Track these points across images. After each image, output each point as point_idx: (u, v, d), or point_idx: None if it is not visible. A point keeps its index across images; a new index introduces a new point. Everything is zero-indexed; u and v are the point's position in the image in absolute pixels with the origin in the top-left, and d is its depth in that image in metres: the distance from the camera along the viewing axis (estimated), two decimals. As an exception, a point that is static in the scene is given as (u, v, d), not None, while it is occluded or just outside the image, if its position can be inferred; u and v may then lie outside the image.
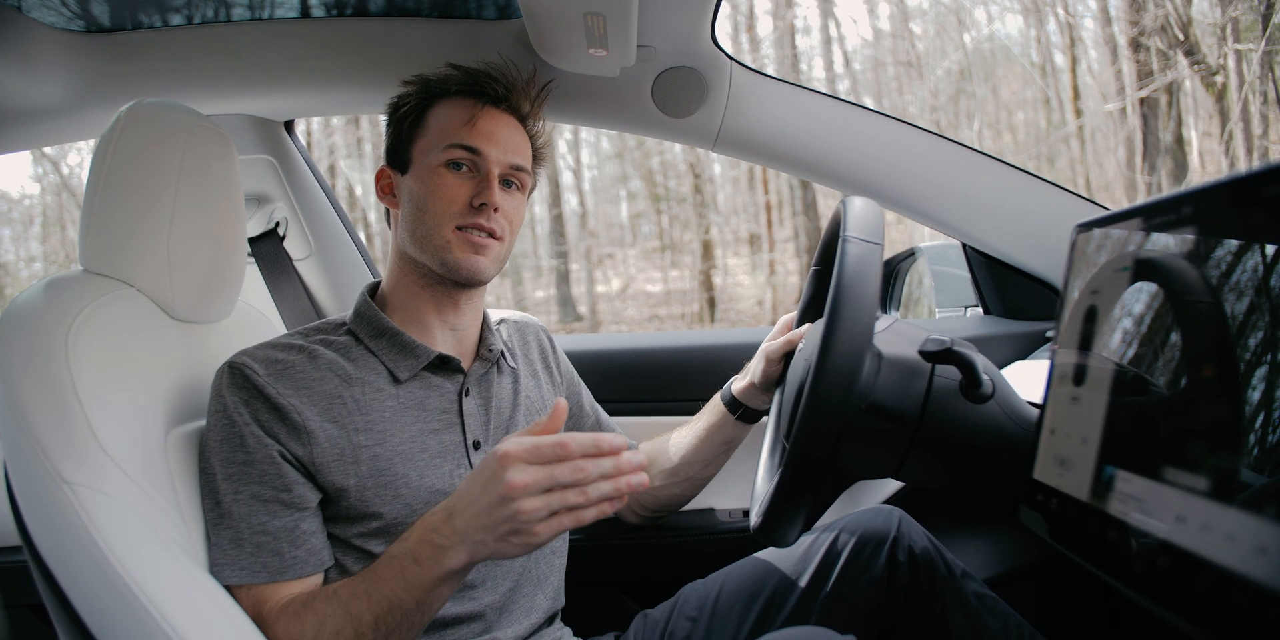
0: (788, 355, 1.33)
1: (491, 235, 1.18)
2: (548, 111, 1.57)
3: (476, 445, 1.20)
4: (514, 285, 14.75)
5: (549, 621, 1.27)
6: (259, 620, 1.01)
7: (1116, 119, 11.89)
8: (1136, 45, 10.98)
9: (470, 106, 1.21)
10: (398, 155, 1.24)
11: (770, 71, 1.58)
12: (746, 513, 1.74)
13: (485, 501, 0.87)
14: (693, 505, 1.59)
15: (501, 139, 1.20)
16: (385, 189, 1.27)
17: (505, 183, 1.21)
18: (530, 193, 1.30)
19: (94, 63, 1.47)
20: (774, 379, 1.35)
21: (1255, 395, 0.56)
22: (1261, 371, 0.56)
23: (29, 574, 0.94)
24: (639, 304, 14.82)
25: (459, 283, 1.19)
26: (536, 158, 1.30)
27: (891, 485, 1.60)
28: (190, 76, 1.53)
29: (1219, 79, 9.99)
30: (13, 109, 1.52)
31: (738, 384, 1.42)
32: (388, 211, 1.28)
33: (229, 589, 1.02)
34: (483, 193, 1.17)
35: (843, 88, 14.89)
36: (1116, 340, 0.75)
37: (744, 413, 1.41)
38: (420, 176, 1.19)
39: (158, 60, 1.49)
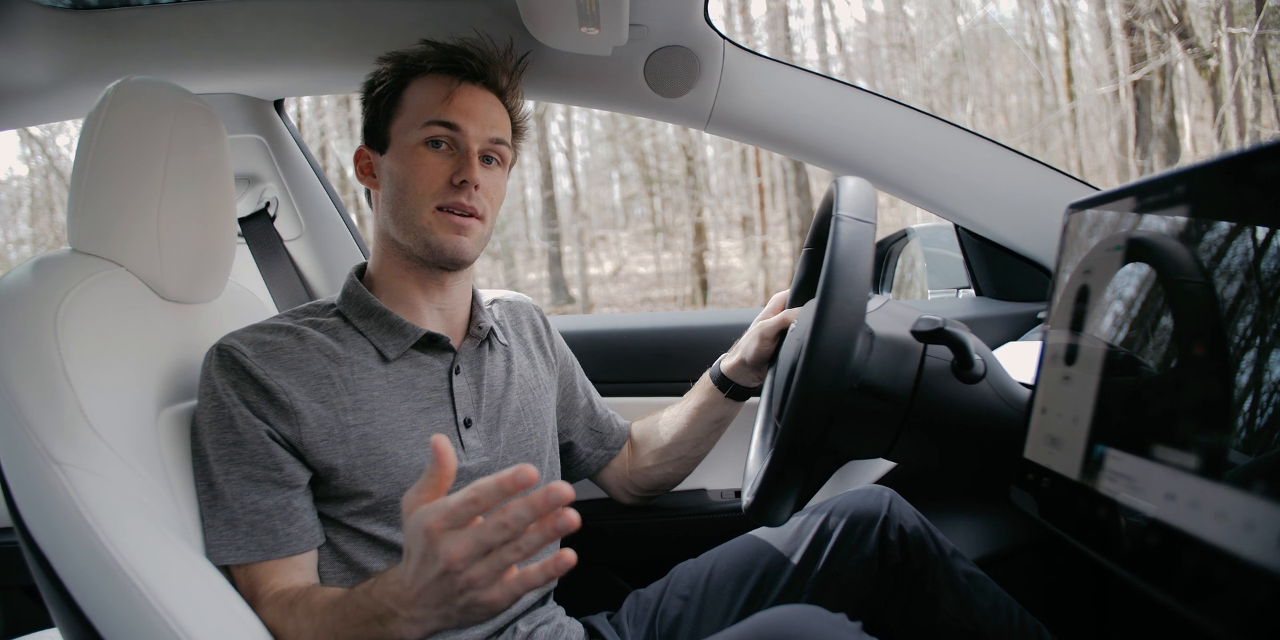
0: (781, 333, 1.33)
1: (473, 214, 1.18)
2: (540, 91, 1.56)
3: (468, 423, 1.20)
4: (506, 268, 14.73)
5: (542, 600, 1.28)
6: (252, 601, 1.02)
7: (1110, 102, 11.89)
8: (1130, 28, 10.96)
9: (447, 83, 1.20)
10: (376, 135, 1.23)
11: (763, 53, 1.57)
12: (738, 493, 1.74)
13: (430, 579, 0.80)
14: (684, 485, 1.59)
15: (479, 114, 1.20)
16: (364, 169, 1.26)
17: (485, 159, 1.21)
18: (511, 167, 1.30)
19: (81, 41, 1.46)
20: (765, 357, 1.35)
21: (1244, 378, 0.56)
22: (1250, 355, 0.56)
23: (21, 555, 0.94)
24: (631, 286, 14.82)
25: (442, 265, 1.19)
26: (517, 132, 1.29)
27: (883, 466, 1.61)
28: (178, 55, 1.51)
29: (1212, 62, 9.97)
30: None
31: (727, 362, 1.42)
32: (369, 192, 1.28)
33: (224, 570, 1.03)
34: (462, 170, 1.16)
35: (836, 70, 14.86)
36: (1108, 320, 0.75)
37: (733, 390, 1.41)
38: (399, 156, 1.19)
39: (145, 38, 1.47)
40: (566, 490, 0.76)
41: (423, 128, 1.17)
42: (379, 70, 1.25)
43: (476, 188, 1.17)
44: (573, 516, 0.77)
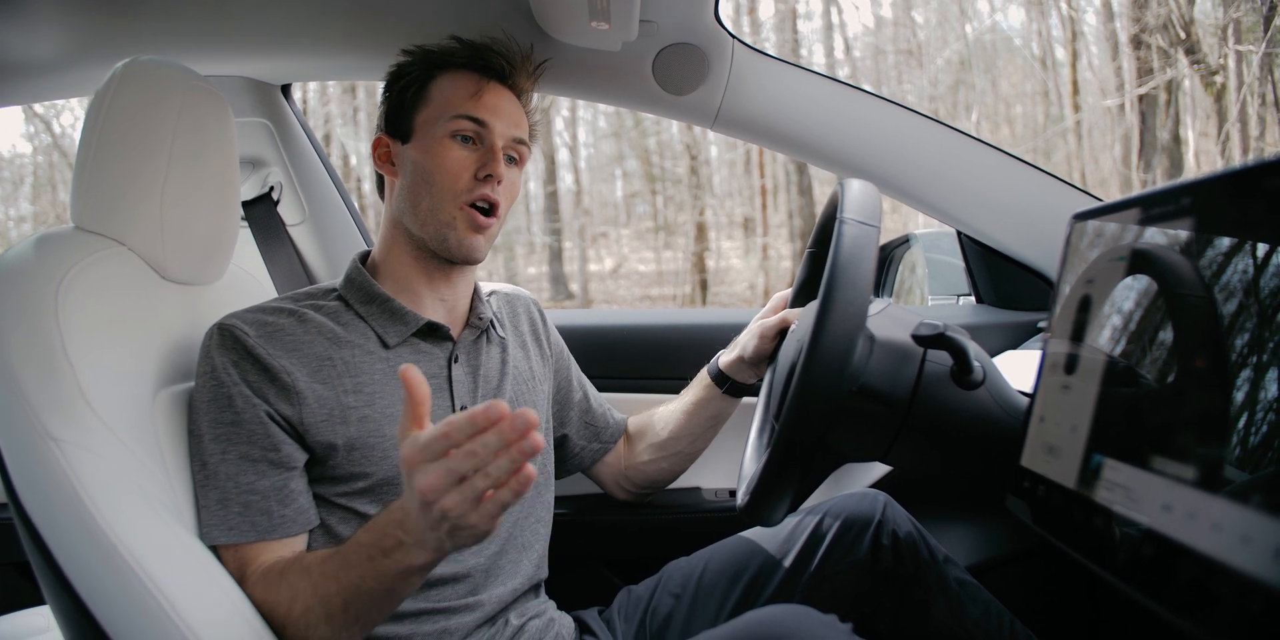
0: (780, 333, 1.33)
1: (493, 209, 1.18)
2: (547, 85, 1.56)
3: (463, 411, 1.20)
4: (506, 261, 14.71)
5: (534, 591, 1.29)
6: (241, 581, 1.01)
7: (1115, 115, 11.88)
8: (1138, 42, 10.96)
9: (475, 80, 1.22)
10: (398, 124, 1.23)
11: (772, 53, 1.57)
12: (733, 492, 1.75)
13: (413, 507, 0.84)
14: (679, 483, 1.59)
15: (505, 113, 1.21)
16: (383, 157, 1.26)
17: (506, 158, 1.22)
18: (524, 167, 1.30)
19: (90, 19, 1.45)
20: (764, 355, 1.36)
21: (1240, 395, 0.56)
22: (1246, 372, 0.56)
23: (15, 532, 0.94)
24: (631, 284, 14.80)
25: (454, 260, 1.20)
26: (530, 133, 1.30)
27: (878, 470, 1.61)
28: (187, 36, 1.51)
29: (1219, 79, 9.98)
30: (6, 63, 1.50)
31: (725, 358, 1.42)
32: (380, 180, 1.28)
33: (215, 550, 1.03)
34: (488, 164, 1.17)
35: (842, 74, 14.83)
36: (1109, 331, 0.75)
37: (731, 387, 1.42)
38: (424, 147, 1.19)
39: (154, 18, 1.46)
40: (533, 417, 0.78)
41: (451, 120, 1.18)
42: (404, 61, 1.26)
43: (499, 183, 1.18)
44: (538, 439, 0.78)
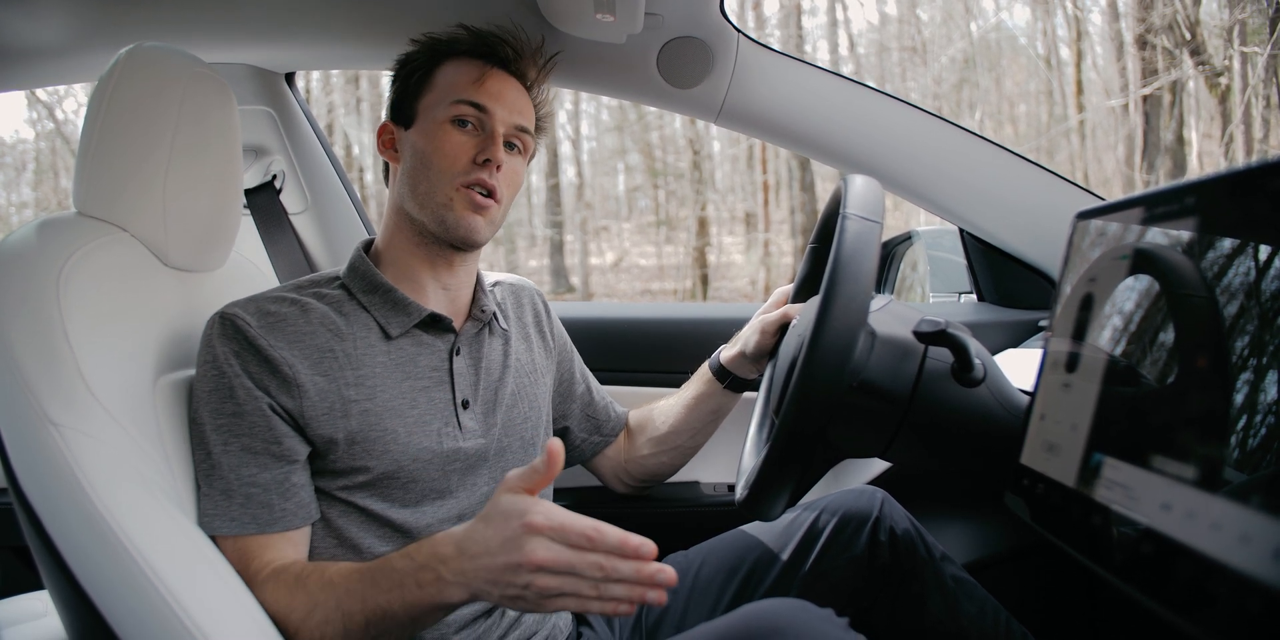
0: (781, 328, 1.33)
1: (492, 194, 1.18)
2: (552, 77, 1.56)
3: (465, 404, 1.19)
4: (507, 253, 14.72)
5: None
6: (246, 574, 1.01)
7: (1119, 115, 11.87)
8: (1143, 42, 10.95)
9: (479, 67, 1.21)
10: (402, 110, 1.23)
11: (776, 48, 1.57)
12: (731, 487, 1.75)
13: (500, 560, 0.84)
14: (678, 477, 1.59)
15: (508, 100, 1.20)
16: (387, 143, 1.26)
17: (508, 145, 1.21)
18: (530, 159, 1.30)
19: (94, 5, 1.45)
20: (765, 351, 1.36)
21: (1240, 397, 0.56)
22: (1247, 374, 0.56)
23: (14, 516, 0.94)
24: (632, 278, 14.81)
25: (453, 244, 1.19)
26: (538, 126, 1.30)
27: (876, 466, 1.61)
28: (191, 23, 1.50)
29: (1223, 80, 9.98)
30: (11, 47, 1.50)
31: (726, 353, 1.42)
32: (386, 168, 1.28)
33: (215, 540, 1.03)
34: (487, 149, 1.17)
35: (847, 71, 14.80)
36: (1111, 330, 0.75)
37: (732, 382, 1.41)
38: (425, 131, 1.19)
39: (159, 5, 1.46)
40: (672, 574, 0.82)
41: (451, 105, 1.18)
42: (411, 49, 1.26)
43: (499, 169, 1.17)
44: (662, 596, 0.83)
